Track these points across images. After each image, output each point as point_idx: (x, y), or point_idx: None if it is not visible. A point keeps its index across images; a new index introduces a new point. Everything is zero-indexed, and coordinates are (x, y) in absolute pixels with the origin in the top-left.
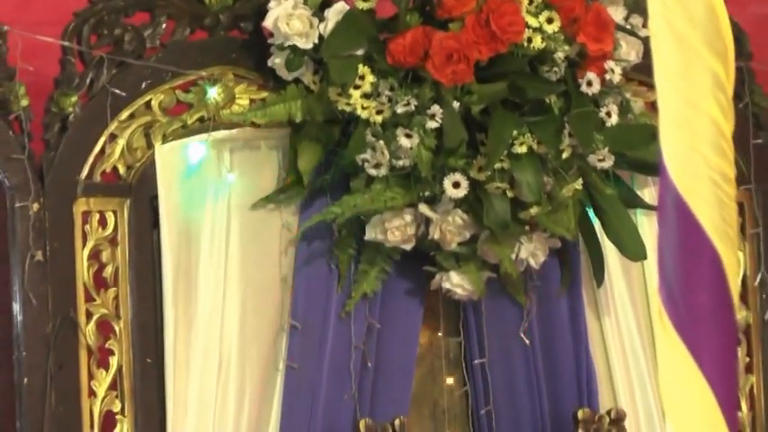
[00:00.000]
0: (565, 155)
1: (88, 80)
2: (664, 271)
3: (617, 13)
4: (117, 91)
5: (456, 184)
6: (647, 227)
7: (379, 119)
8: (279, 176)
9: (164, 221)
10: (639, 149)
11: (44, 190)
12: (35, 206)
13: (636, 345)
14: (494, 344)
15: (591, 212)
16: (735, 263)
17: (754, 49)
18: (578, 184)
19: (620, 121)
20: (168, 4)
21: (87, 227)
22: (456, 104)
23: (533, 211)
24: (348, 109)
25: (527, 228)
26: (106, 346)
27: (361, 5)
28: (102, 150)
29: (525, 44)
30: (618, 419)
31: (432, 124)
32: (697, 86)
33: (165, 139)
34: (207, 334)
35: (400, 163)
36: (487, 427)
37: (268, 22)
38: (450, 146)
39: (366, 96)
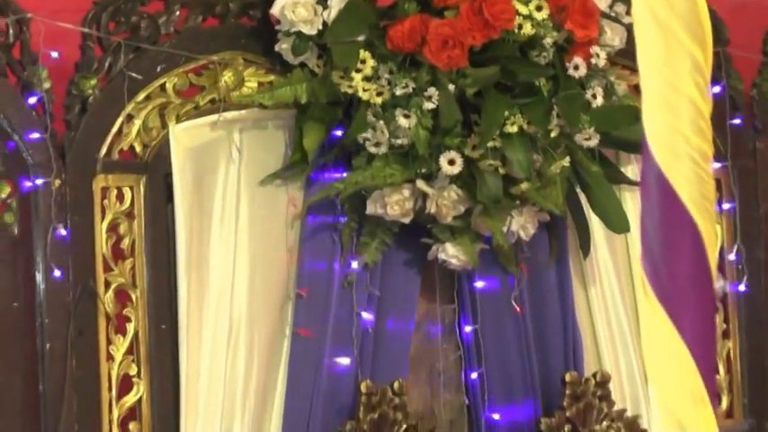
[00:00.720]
0: (553, 134)
1: (107, 64)
2: (646, 243)
3: (602, 2)
4: (133, 74)
5: (451, 162)
6: (631, 202)
7: (379, 100)
8: (285, 154)
9: (177, 197)
10: (623, 129)
11: (65, 167)
12: (57, 182)
13: (620, 312)
14: (486, 311)
15: (578, 188)
16: (713, 236)
17: (730, 36)
18: (566, 162)
19: (605, 103)
20: None
21: (106, 202)
22: (451, 87)
23: (523, 186)
24: (350, 91)
25: (518, 202)
26: (123, 313)
27: None
28: (120, 130)
29: (516, 31)
30: (603, 382)
31: (428, 105)
32: (677, 70)
33: (178, 120)
34: (218, 302)
35: (399, 142)
36: (480, 389)
37: (275, 10)
38: (445, 126)
39: (367, 79)
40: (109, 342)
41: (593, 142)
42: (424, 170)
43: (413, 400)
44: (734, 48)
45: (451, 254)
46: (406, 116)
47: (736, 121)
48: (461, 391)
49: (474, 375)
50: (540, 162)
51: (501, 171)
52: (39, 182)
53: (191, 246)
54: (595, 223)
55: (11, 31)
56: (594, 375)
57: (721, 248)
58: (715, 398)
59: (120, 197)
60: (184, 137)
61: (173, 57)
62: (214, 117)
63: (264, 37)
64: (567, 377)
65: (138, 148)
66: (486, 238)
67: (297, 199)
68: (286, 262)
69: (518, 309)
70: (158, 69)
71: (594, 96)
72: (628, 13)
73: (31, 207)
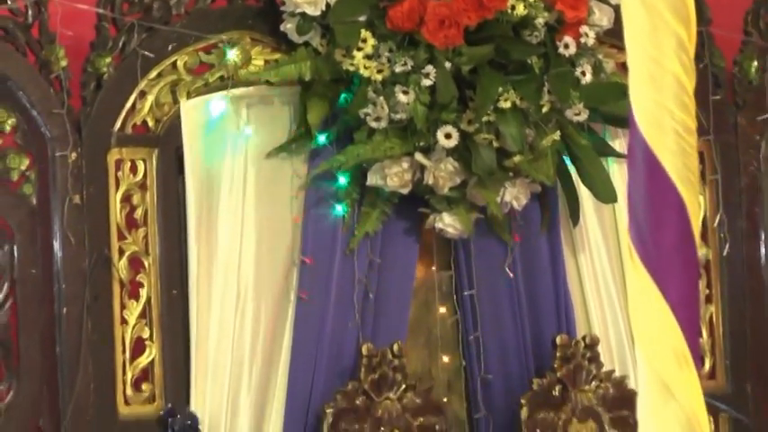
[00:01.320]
0: (544, 109)
1: (120, 44)
2: (633, 212)
3: None
4: (146, 53)
5: (448, 136)
6: (618, 173)
7: (379, 77)
8: (290, 129)
9: (188, 168)
10: (611, 104)
11: (81, 141)
12: (73, 155)
13: (608, 278)
14: (481, 277)
15: (568, 161)
16: (696, 205)
17: (712, 16)
18: (556, 136)
19: (594, 80)
20: None
21: (120, 173)
22: (448, 65)
23: (516, 159)
24: (352, 69)
25: (511, 174)
26: (136, 279)
27: None
28: (133, 106)
29: (509, 11)
30: (592, 344)
31: (426, 82)
32: (662, 48)
33: (189, 96)
34: (226, 268)
35: (398, 116)
36: (476, 352)
37: None
38: (442, 101)
39: (368, 58)
40: (123, 307)
41: (583, 117)
42: (422, 143)
43: (411, 362)
44: (716, 27)
45: (448, 223)
46: (405, 92)
47: (718, 97)
48: (458, 354)
49: (470, 338)
50: (531, 136)
51: (495, 144)
52: (56, 155)
53: (200, 215)
54: (584, 194)
55: (29, 12)
56: (584, 338)
57: (704, 217)
58: (698, 360)
59: (134, 169)
60: (194, 112)
61: (183, 36)
62: (223, 93)
63: (270, 17)
64: (558, 340)
65: (150, 123)
66: (480, 208)
67: (301, 171)
68: (291, 231)
69: (511, 275)
70: (170, 48)
71: (584, 74)
72: None
73: (49, 179)
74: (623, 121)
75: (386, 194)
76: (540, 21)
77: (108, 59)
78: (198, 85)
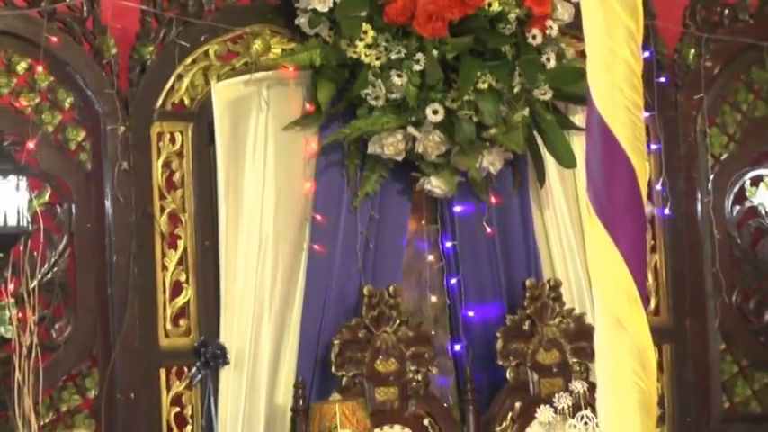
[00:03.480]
0: (516, 90)
1: (161, 35)
2: (590, 175)
3: None
4: (183, 43)
5: (435, 112)
6: (578, 143)
7: (377, 63)
8: (303, 106)
9: (218, 139)
10: (572, 85)
11: (128, 116)
12: (122, 128)
13: (569, 231)
14: (463, 230)
15: (535, 133)
16: (643, 169)
17: (657, 11)
18: (526, 112)
19: (557, 65)
20: None
21: (161, 143)
22: (435, 52)
23: (492, 131)
24: (355, 56)
25: (488, 144)
26: (175, 232)
27: None
28: (172, 87)
29: (486, 7)
30: (556, 286)
31: (417, 67)
32: (615, 38)
33: (218, 79)
34: (250, 223)
35: (393, 96)
36: (458, 292)
37: None
38: (430, 83)
39: (368, 47)
40: (163, 255)
41: (548, 96)
42: (413, 118)
43: (404, 301)
44: (660, 21)
45: (435, 185)
46: (399, 76)
47: (662, 79)
48: (443, 294)
49: (453, 281)
50: (505, 112)
51: (474, 119)
52: (107, 128)
53: (228, 179)
54: (549, 160)
55: (85, 8)
56: (549, 281)
57: (650, 180)
58: (645, 299)
59: (173, 140)
60: (224, 92)
61: (214, 28)
62: (247, 77)
63: (286, 13)
64: (527, 282)
65: (186, 101)
66: (462, 173)
67: (312, 141)
68: (304, 192)
69: (488, 229)
70: (202, 39)
71: (549, 60)
72: None
73: (101, 148)
74: (582, 99)
75: (383, 161)
76: (512, 16)
77: (151, 48)
78: (226, 70)
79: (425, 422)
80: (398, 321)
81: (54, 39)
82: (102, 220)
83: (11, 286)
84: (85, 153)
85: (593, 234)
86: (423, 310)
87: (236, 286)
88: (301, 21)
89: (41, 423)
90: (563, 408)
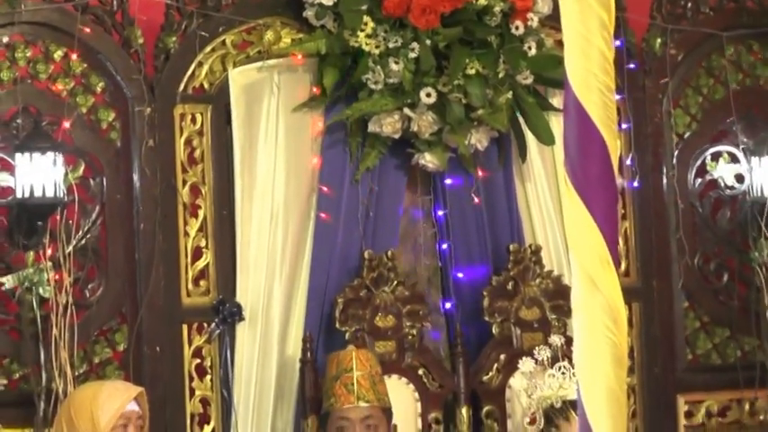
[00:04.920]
0: (500, 75)
1: (183, 26)
2: (567, 151)
3: None
4: (202, 33)
5: (428, 95)
6: (556, 123)
7: (377, 51)
8: (310, 90)
9: (234, 120)
10: (550, 71)
11: (154, 99)
12: (148, 110)
13: (548, 201)
14: (453, 200)
15: (518, 113)
16: (614, 146)
17: (626, 4)
18: (509, 95)
19: (538, 53)
20: None
21: (183, 123)
22: (428, 42)
23: (480, 112)
24: (356, 45)
25: (475, 123)
26: (195, 202)
27: None
28: (193, 73)
29: (474, 1)
30: (536, 251)
31: (412, 55)
32: (589, 28)
33: (235, 65)
34: (263, 194)
35: (391, 80)
36: (449, 256)
37: None
38: (424, 69)
39: (369, 36)
40: (185, 223)
41: (529, 81)
42: (408, 101)
43: (401, 264)
44: (630, 13)
45: (428, 160)
46: (396, 62)
47: (631, 65)
48: (436, 257)
49: (444, 246)
50: (491, 95)
51: (463, 101)
52: (135, 110)
53: (243, 154)
54: (530, 138)
55: (114, 2)
56: (530, 246)
57: (620, 156)
58: (617, 262)
59: (194, 120)
60: (239, 77)
61: (231, 20)
62: (260, 63)
63: (295, 6)
64: (511, 247)
65: (206, 86)
66: (453, 149)
67: (319, 121)
68: (311, 166)
69: (476, 199)
70: (220, 29)
71: (530, 48)
72: None
73: (130, 127)
74: (560, 83)
75: (382, 138)
76: (497, 9)
77: (174, 38)
78: (241, 57)
79: (420, 372)
80: (396, 282)
81: (87, 30)
82: (131, 191)
83: (48, 251)
84: (115, 132)
85: (569, 204)
86: (417, 272)
87: (251, 251)
88: (309, 13)
89: (76, 374)
90: (543, 359)
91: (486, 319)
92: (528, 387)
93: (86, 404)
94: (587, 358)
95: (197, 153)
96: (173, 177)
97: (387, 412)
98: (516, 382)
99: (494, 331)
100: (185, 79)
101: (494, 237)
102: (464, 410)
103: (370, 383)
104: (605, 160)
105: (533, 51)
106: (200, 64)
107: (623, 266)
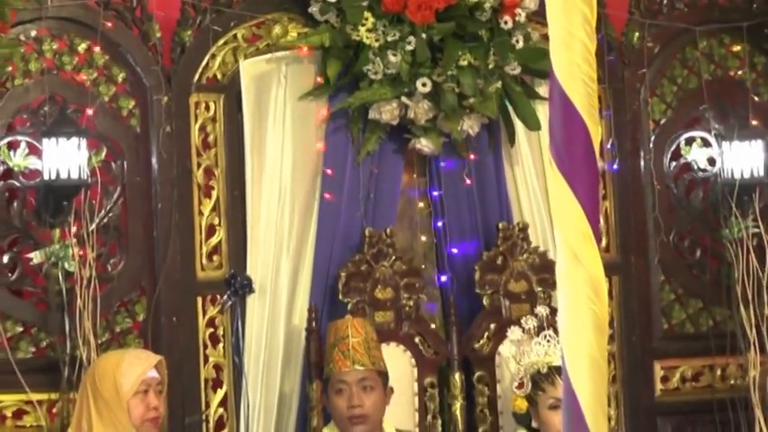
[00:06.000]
0: (490, 66)
1: (198, 21)
2: (552, 136)
3: None
4: (216, 28)
5: (424, 84)
6: (542, 110)
7: (376, 44)
8: (315, 80)
9: (245, 107)
10: (537, 63)
11: (171, 88)
12: (165, 98)
13: (534, 182)
14: (447, 182)
15: (507, 102)
16: (596, 131)
17: (606, 1)
18: (499, 84)
19: (525, 46)
20: None
21: (197, 111)
22: (423, 36)
23: (471, 100)
24: (358, 38)
25: (467, 111)
26: (209, 183)
27: None
28: (207, 64)
29: None
30: (524, 228)
31: (409, 47)
32: (573, 22)
33: (245, 57)
34: (271, 176)
35: (390, 71)
36: (443, 233)
37: None
38: (420, 61)
39: (369, 31)
40: (200, 203)
41: (517, 71)
42: (406, 90)
43: (399, 241)
44: (609, 9)
45: (424, 144)
46: (394, 54)
47: (611, 57)
48: (431, 234)
49: (439, 224)
50: (481, 84)
51: (456, 90)
52: (153, 98)
53: (253, 139)
54: (518, 124)
55: None
56: (518, 224)
57: (601, 140)
58: (598, 238)
59: (207, 108)
60: (249, 68)
61: (242, 16)
62: (268, 55)
63: (301, 3)
64: (500, 225)
65: (218, 76)
66: (446, 134)
67: (323, 109)
68: (316, 150)
69: (468, 180)
70: (232, 24)
71: (518, 41)
72: None
73: (148, 115)
74: (545, 73)
75: (381, 125)
76: (487, 5)
77: (189, 32)
78: (251, 50)
79: (416, 340)
80: (394, 257)
81: (109, 24)
82: (149, 174)
83: (73, 229)
84: (135, 119)
85: (554, 184)
86: (414, 248)
87: (260, 228)
88: (313, 9)
89: (98, 342)
90: (530, 328)
91: (478, 291)
92: (516, 354)
93: (110, 371)
94: (571, 327)
95: (210, 138)
96: (188, 161)
97: (382, 375)
98: (505, 349)
99: (484, 302)
100: (200, 70)
101: (484, 215)
102: (457, 376)
103: (365, 348)
104: (587, 145)
105: (521, 44)
106: (214, 56)
107: (604, 243)
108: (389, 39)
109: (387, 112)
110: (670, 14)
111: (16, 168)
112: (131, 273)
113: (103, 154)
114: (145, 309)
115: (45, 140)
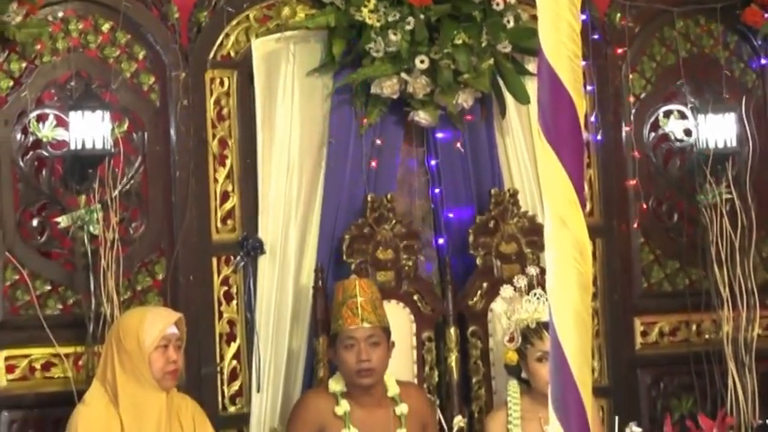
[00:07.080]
0: (483, 45)
1: (213, 3)
2: (541, 108)
3: None
4: (229, 9)
5: (422, 61)
6: (531, 85)
7: (378, 25)
8: (321, 57)
9: (256, 83)
10: (526, 41)
11: (188, 65)
12: (183, 74)
13: (524, 152)
14: (443, 151)
15: (498, 77)
16: (581, 104)
17: None
18: (491, 61)
19: (515, 26)
20: None
21: (213, 86)
22: (421, 16)
23: (466, 76)
24: (361, 19)
25: (462, 86)
26: (223, 153)
27: None
28: (221, 43)
29: None
30: (514, 194)
31: (408, 27)
32: (560, 4)
33: (257, 36)
34: (281, 146)
35: (390, 49)
36: (440, 199)
37: None
38: (418, 40)
39: (371, 12)
40: (214, 171)
41: (508, 49)
42: (405, 66)
43: (399, 206)
44: None
45: (422, 117)
46: (395, 34)
47: (595, 36)
48: (428, 200)
49: (436, 190)
50: (475, 61)
51: (452, 67)
52: (172, 74)
53: (264, 112)
54: (509, 98)
55: None
56: (509, 190)
57: (586, 113)
58: (583, 203)
59: (222, 83)
60: (261, 47)
61: None
62: (278, 35)
63: None
64: (492, 191)
65: (232, 54)
66: (443, 107)
67: (329, 84)
68: (322, 121)
69: (462, 150)
70: (245, 6)
71: (509, 21)
72: None
73: (167, 89)
74: (534, 51)
75: (383, 99)
76: None
77: (205, 13)
78: (263, 30)
79: (415, 297)
80: (394, 221)
81: (130, 6)
82: (168, 144)
83: (98, 195)
84: (155, 93)
85: (542, 154)
86: (412, 213)
87: (271, 194)
88: None
89: (121, 299)
90: (520, 287)
91: (471, 252)
92: (507, 310)
93: (133, 327)
94: (558, 286)
95: (225, 111)
96: (204, 132)
97: (386, 331)
98: (497, 306)
99: (478, 263)
100: (215, 48)
101: (478, 182)
102: (452, 330)
103: (371, 307)
104: (573, 117)
105: (512, 24)
106: (228, 35)
107: (588, 208)
108: (390, 19)
109: (387, 87)
110: None
111: (45, 139)
112: (151, 236)
113: (126, 126)
114: (164, 269)
115: (71, 113)
